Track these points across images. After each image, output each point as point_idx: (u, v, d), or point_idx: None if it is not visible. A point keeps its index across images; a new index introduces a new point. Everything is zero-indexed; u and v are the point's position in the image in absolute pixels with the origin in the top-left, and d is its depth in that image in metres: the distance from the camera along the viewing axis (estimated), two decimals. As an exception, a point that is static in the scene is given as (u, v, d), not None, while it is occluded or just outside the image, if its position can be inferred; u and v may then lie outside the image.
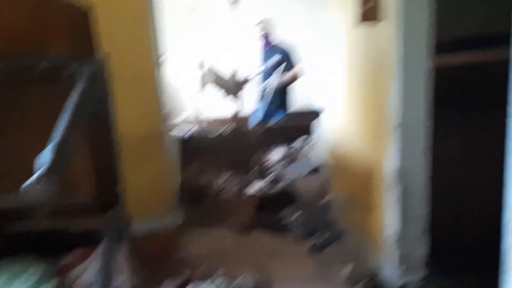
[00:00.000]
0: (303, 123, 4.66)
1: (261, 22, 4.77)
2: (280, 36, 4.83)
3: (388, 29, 2.06)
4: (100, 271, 1.67)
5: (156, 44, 2.68)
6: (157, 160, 2.78)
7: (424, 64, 2.00)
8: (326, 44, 2.93)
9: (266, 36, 4.77)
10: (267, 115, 4.87)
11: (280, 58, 4.81)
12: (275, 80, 4.81)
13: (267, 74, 4.80)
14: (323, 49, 2.98)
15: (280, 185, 4.05)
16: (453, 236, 2.25)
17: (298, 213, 3.29)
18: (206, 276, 2.28)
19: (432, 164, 2.10)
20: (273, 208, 3.46)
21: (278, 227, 3.15)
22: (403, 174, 2.09)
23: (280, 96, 4.88)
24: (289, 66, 4.81)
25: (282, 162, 4.80)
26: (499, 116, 1.57)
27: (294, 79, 4.88)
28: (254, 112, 4.94)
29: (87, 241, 1.90)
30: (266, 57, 4.80)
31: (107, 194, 1.94)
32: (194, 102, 5.68)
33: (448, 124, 2.22)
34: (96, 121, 1.71)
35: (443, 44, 2.11)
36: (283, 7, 6.33)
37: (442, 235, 2.17)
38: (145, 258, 2.27)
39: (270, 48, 4.83)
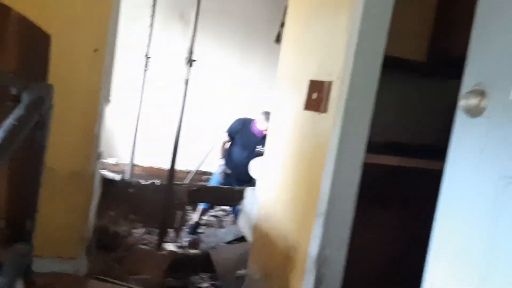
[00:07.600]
0: (234, 190, 4.66)
1: (266, 114, 4.67)
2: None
3: (328, 121, 2.19)
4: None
5: (105, 84, 2.65)
6: (77, 200, 2.65)
7: (356, 160, 2.12)
8: (277, 120, 3.01)
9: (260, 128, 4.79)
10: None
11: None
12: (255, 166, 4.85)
13: (244, 155, 4.83)
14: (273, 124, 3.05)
15: (199, 248, 3.98)
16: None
17: (210, 281, 3.21)
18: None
19: (350, 255, 2.17)
20: (186, 271, 3.36)
21: (188, 292, 3.05)
22: (321, 260, 2.13)
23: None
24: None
25: (206, 225, 4.74)
26: (421, 217, 1.71)
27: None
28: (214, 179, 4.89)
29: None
30: (253, 142, 4.83)
31: (17, 226, 1.82)
32: (128, 147, 5.55)
33: (371, 219, 2.33)
34: (25, 148, 1.63)
35: (376, 145, 2.27)
36: (244, 80, 6.43)
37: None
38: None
39: (259, 136, 4.82)
